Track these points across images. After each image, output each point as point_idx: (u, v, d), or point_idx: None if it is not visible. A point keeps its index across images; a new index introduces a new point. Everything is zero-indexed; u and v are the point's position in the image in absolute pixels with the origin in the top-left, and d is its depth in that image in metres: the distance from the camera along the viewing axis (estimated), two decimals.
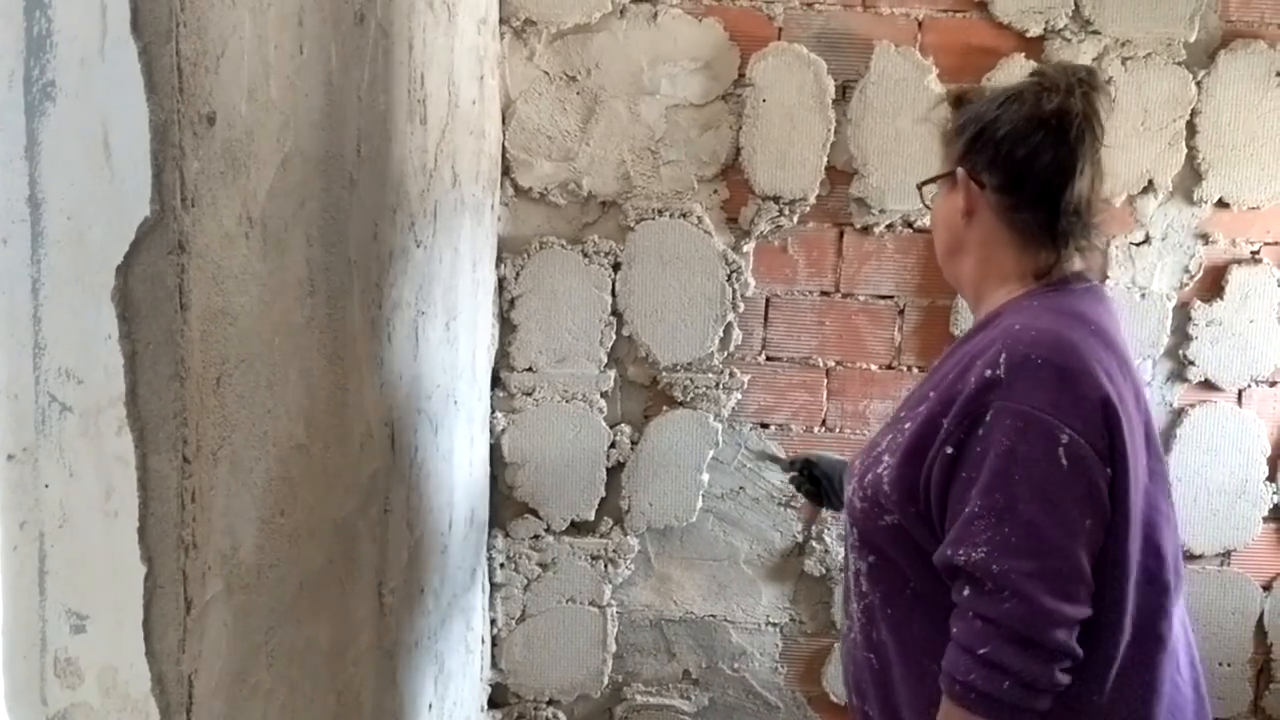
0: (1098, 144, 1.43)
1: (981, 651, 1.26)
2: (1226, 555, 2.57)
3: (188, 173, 0.92)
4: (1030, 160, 1.41)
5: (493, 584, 2.61)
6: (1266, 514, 2.55)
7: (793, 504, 2.56)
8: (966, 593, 1.30)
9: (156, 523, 0.93)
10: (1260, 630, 2.60)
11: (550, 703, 2.67)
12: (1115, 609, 1.32)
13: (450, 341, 2.05)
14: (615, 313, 2.52)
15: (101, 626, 0.93)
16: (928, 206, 1.63)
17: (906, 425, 1.45)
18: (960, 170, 1.48)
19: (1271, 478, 2.54)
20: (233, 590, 1.06)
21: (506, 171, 2.49)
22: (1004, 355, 1.32)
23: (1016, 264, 1.46)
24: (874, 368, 2.54)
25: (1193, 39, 2.40)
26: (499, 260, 2.50)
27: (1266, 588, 2.59)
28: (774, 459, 2.27)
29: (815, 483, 1.98)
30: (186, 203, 0.92)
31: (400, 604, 1.79)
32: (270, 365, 1.15)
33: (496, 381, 2.54)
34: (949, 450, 1.34)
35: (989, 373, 1.32)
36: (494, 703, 2.66)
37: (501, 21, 2.43)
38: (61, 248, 0.89)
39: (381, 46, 1.53)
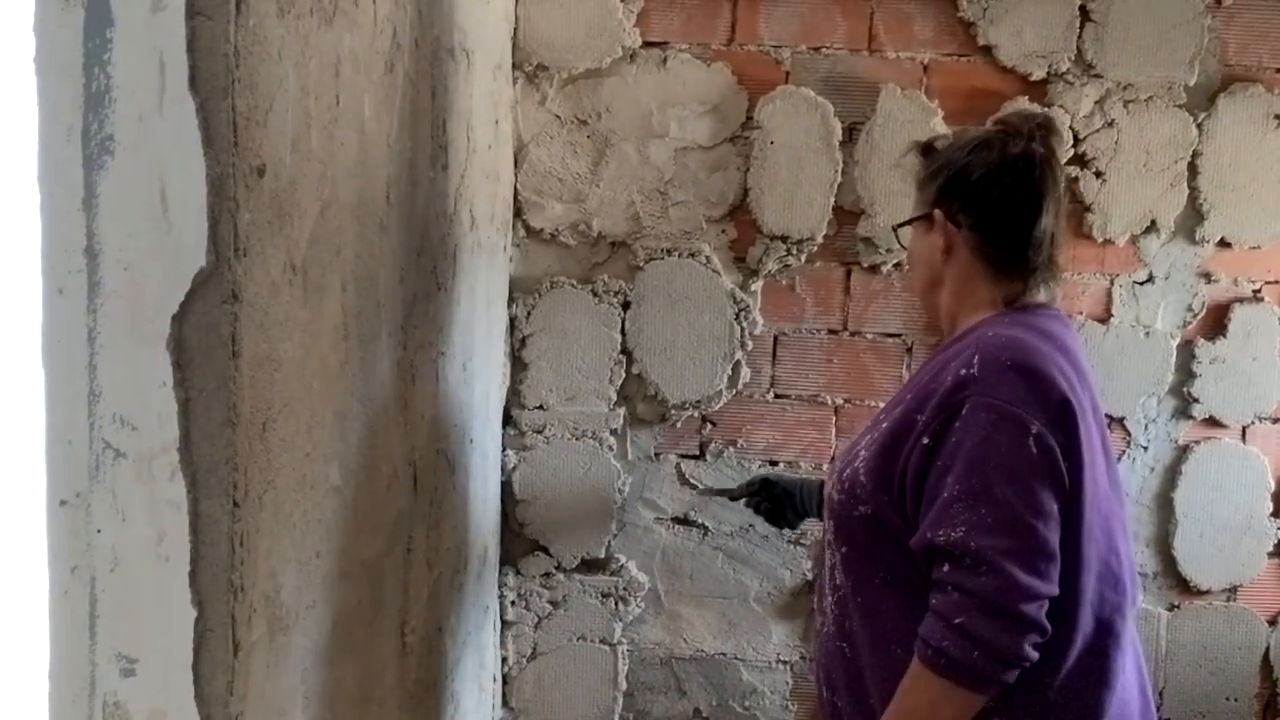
0: (1058, 184, 1.58)
1: (957, 620, 1.35)
2: (1232, 591, 2.59)
3: (240, 224, 0.95)
4: (1002, 200, 1.56)
5: (504, 621, 2.62)
6: (1271, 549, 2.57)
7: (802, 541, 2.58)
8: (946, 569, 1.39)
9: (207, 567, 0.95)
10: (1266, 665, 2.61)
11: None
12: (1072, 597, 1.41)
13: (467, 381, 2.07)
14: (625, 351, 2.54)
15: (151, 670, 0.94)
16: (903, 246, 1.79)
17: (884, 424, 1.57)
18: (938, 212, 1.61)
19: (1276, 513, 2.56)
20: (274, 632, 1.08)
21: (518, 213, 2.52)
22: (977, 356, 1.45)
23: (989, 293, 1.60)
24: (882, 405, 2.56)
25: (1193, 82, 2.45)
26: (510, 300, 2.53)
27: (1272, 623, 2.60)
28: (722, 491, 2.34)
29: (775, 500, 2.13)
30: (239, 253, 0.94)
31: (420, 643, 1.80)
32: (309, 409, 1.17)
33: (508, 419, 2.56)
34: (925, 441, 1.45)
35: (964, 371, 1.45)
36: None
37: (514, 67, 2.47)
38: (118, 297, 0.91)
39: (408, 95, 1.56)
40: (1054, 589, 1.37)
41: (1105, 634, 1.45)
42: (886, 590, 1.52)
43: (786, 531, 2.57)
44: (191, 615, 0.94)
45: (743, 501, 2.20)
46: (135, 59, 0.89)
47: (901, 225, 1.76)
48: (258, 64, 0.98)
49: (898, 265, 2.51)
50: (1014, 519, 1.36)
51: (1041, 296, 1.61)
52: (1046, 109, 2.44)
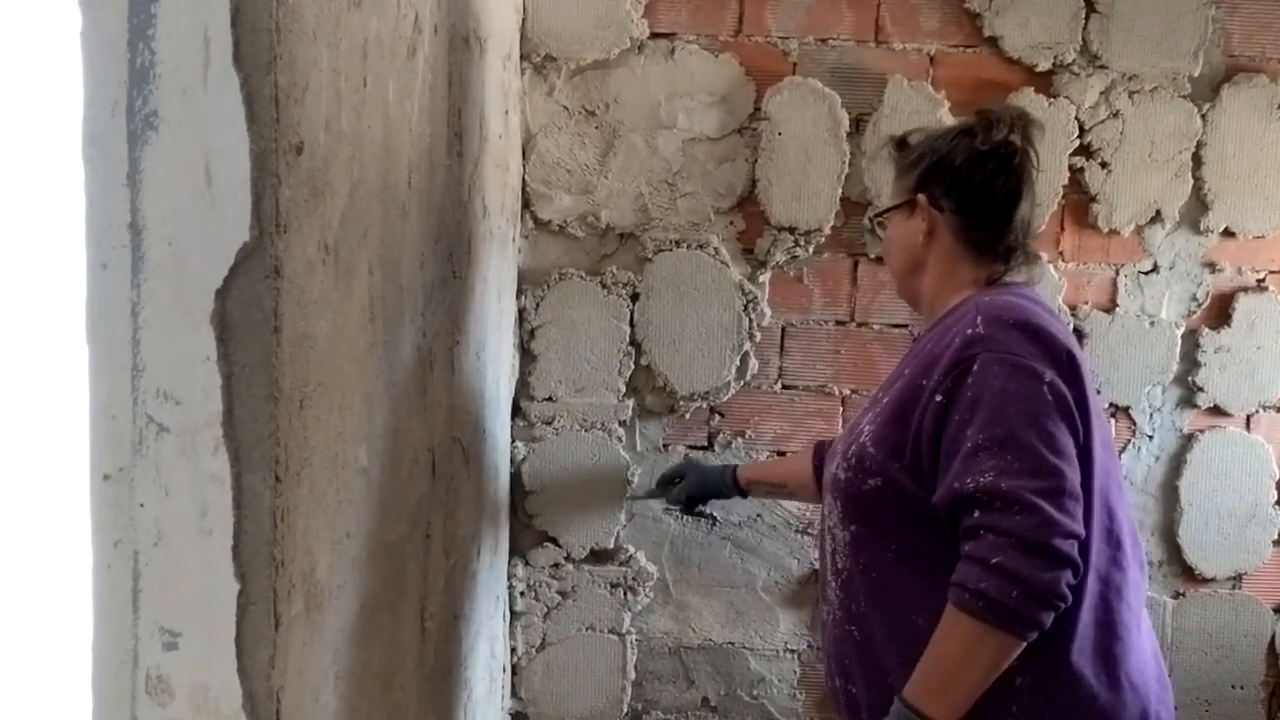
0: (1035, 171, 1.68)
1: (995, 561, 1.37)
2: (1238, 579, 2.61)
3: (281, 200, 0.95)
4: (984, 185, 1.64)
5: (513, 612, 2.62)
6: (1276, 537, 2.59)
7: (809, 531, 2.59)
8: (977, 514, 1.41)
9: (249, 541, 0.95)
10: (1272, 653, 2.63)
11: None
12: (1084, 543, 1.43)
13: (480, 371, 2.08)
14: (633, 343, 2.55)
15: (193, 644, 0.95)
16: (879, 236, 1.89)
17: (884, 400, 1.61)
18: (921, 196, 1.68)
19: None
20: (310, 609, 1.08)
21: (527, 204, 2.53)
22: (980, 317, 1.51)
23: (971, 274, 1.68)
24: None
25: (1197, 73, 2.46)
26: (519, 291, 2.53)
27: (1278, 610, 2.62)
28: (653, 494, 2.50)
29: (690, 490, 2.36)
30: (280, 229, 0.95)
31: (438, 630, 1.80)
32: (340, 389, 1.17)
33: (517, 411, 2.57)
34: (939, 399, 1.49)
35: (970, 331, 1.50)
36: None
37: (522, 58, 2.47)
38: (161, 272, 0.91)
39: (428, 81, 1.56)
40: (1082, 529, 1.40)
41: (1106, 585, 1.48)
42: (900, 562, 1.54)
43: (794, 521, 2.58)
44: (234, 589, 0.95)
45: (674, 491, 2.39)
46: (180, 34, 0.90)
47: (882, 214, 1.82)
48: (296, 42, 0.99)
49: None
50: (1040, 461, 1.40)
51: (1021, 277, 1.70)
52: (1052, 100, 2.46)
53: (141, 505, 0.93)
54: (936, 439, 1.48)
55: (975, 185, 1.63)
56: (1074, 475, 1.41)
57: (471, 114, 1.91)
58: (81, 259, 0.91)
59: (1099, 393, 2.50)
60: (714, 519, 2.60)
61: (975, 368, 1.46)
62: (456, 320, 1.86)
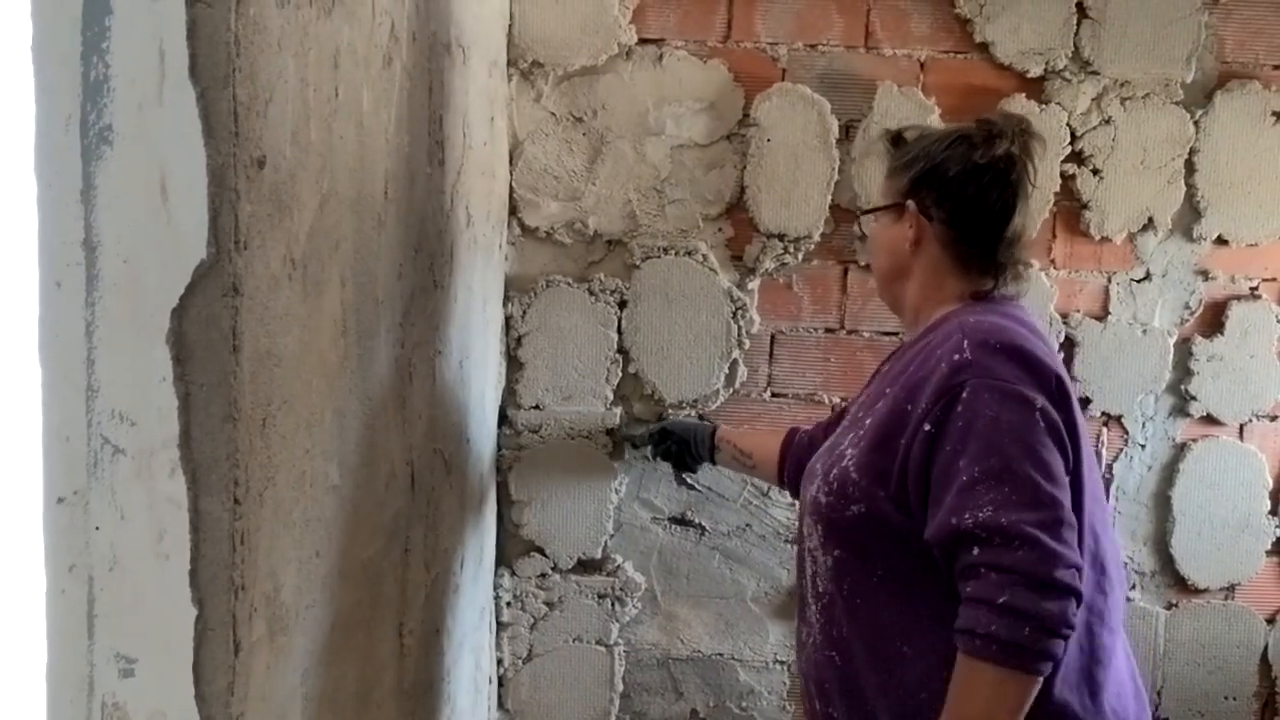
0: (1032, 186, 1.62)
1: (1001, 600, 1.33)
2: (1230, 589, 2.59)
3: (241, 216, 0.93)
4: (979, 198, 1.58)
5: (499, 623, 2.60)
6: (1269, 548, 2.57)
7: None
8: (976, 552, 1.37)
9: (207, 565, 0.93)
10: (1265, 664, 2.61)
11: None
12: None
13: (463, 381, 2.06)
14: (621, 350, 2.53)
15: (150, 670, 0.92)
16: (862, 237, 1.75)
17: (868, 421, 1.56)
18: (911, 203, 1.63)
19: (1274, 511, 2.56)
20: (274, 632, 1.06)
21: (514, 211, 2.51)
22: (966, 341, 1.46)
23: (957, 288, 1.63)
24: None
25: (1190, 80, 2.44)
26: (506, 299, 2.51)
27: (1270, 621, 2.60)
28: (629, 436, 2.51)
29: (679, 444, 2.34)
30: (239, 245, 0.93)
31: (419, 645, 1.78)
32: (309, 406, 1.15)
33: (504, 419, 2.54)
34: (927, 428, 1.44)
35: (957, 357, 1.45)
36: None
37: (509, 64, 2.45)
38: (117, 291, 0.89)
39: (406, 89, 1.54)
40: (1079, 557, 1.37)
41: (1089, 612, 1.45)
42: (884, 588, 1.50)
43: (783, 531, 2.56)
44: (192, 614, 0.92)
45: (649, 449, 2.42)
46: (134, 47, 0.88)
47: (868, 212, 1.78)
48: (258, 54, 0.96)
49: None
50: (1037, 492, 1.37)
51: (1009, 291, 1.64)
52: (1044, 106, 2.44)
53: (97, 529, 0.91)
54: (925, 470, 1.44)
55: (969, 199, 1.58)
56: (1069, 503, 1.39)
57: (454, 121, 1.89)
58: (34, 277, 0.89)
59: (1088, 403, 2.49)
60: (703, 529, 2.58)
61: (964, 395, 1.42)
62: (439, 330, 1.84)
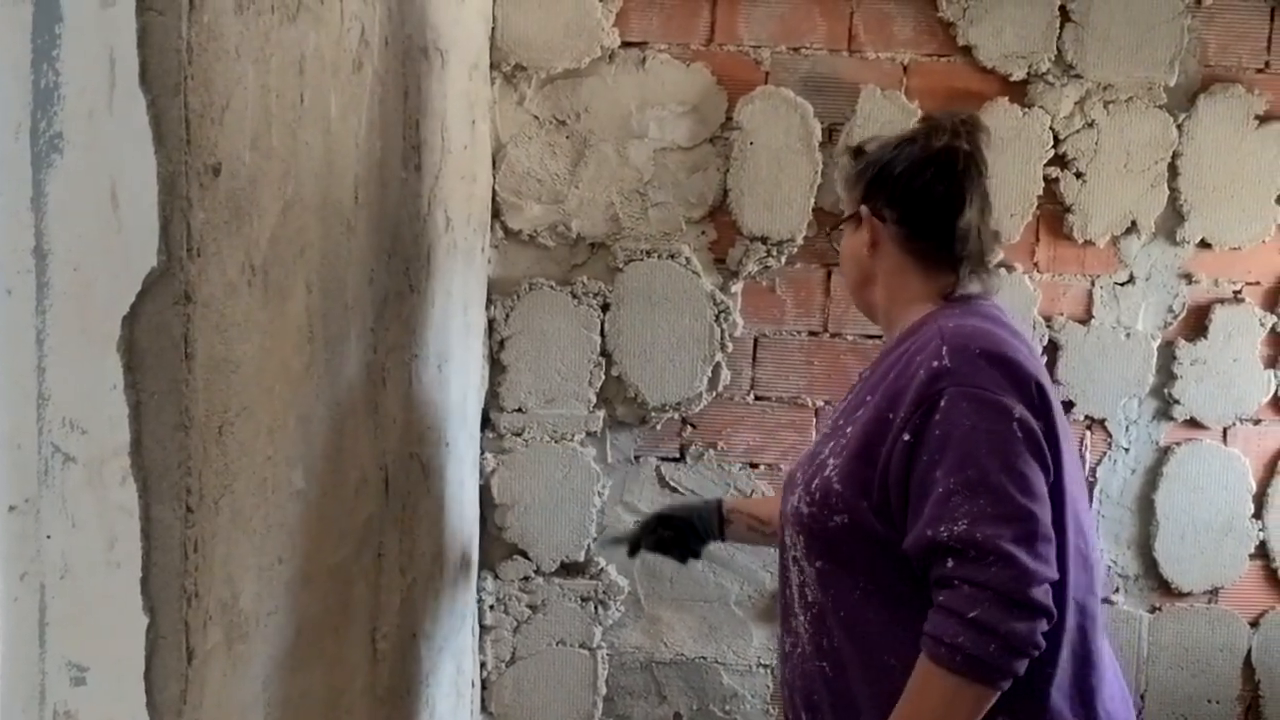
0: (982, 178, 1.59)
1: (972, 615, 1.32)
2: (1214, 592, 2.58)
3: (194, 223, 0.93)
4: (925, 193, 1.56)
5: (482, 626, 2.60)
6: (1253, 551, 2.57)
7: None
8: (951, 564, 1.35)
9: (159, 573, 0.93)
10: (1249, 667, 2.60)
11: None
12: (1061, 580, 1.39)
13: (442, 385, 2.05)
14: (604, 353, 2.53)
15: (102, 679, 0.92)
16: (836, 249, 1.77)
17: (848, 430, 1.54)
18: (864, 208, 1.62)
19: (1257, 515, 2.56)
20: (232, 640, 1.06)
21: (497, 214, 2.51)
22: (945, 348, 1.44)
23: (922, 287, 1.60)
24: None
25: (1173, 83, 2.44)
26: (489, 302, 2.51)
27: (1254, 624, 2.60)
28: (618, 540, 2.15)
29: (678, 531, 2.01)
30: (192, 253, 0.93)
31: (394, 650, 1.77)
32: (270, 413, 1.15)
33: (486, 422, 2.54)
34: (906, 438, 1.42)
35: (935, 364, 1.43)
36: None
37: (492, 67, 2.45)
38: (68, 298, 0.89)
39: (378, 94, 1.54)
40: (1055, 572, 1.36)
41: (1083, 615, 1.44)
42: (868, 599, 1.48)
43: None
44: (143, 623, 0.92)
45: (643, 547, 2.05)
46: (84, 55, 0.87)
47: (835, 227, 1.76)
48: (213, 61, 0.96)
49: None
50: (1013, 505, 1.35)
51: (975, 288, 1.61)
52: (1027, 109, 2.44)
53: (48, 537, 0.91)
54: (905, 479, 1.42)
55: (915, 193, 1.56)
56: (1046, 514, 1.36)
57: (432, 126, 1.89)
58: None
59: (1072, 406, 2.49)
60: None
61: (943, 404, 1.39)
62: (415, 334, 1.83)
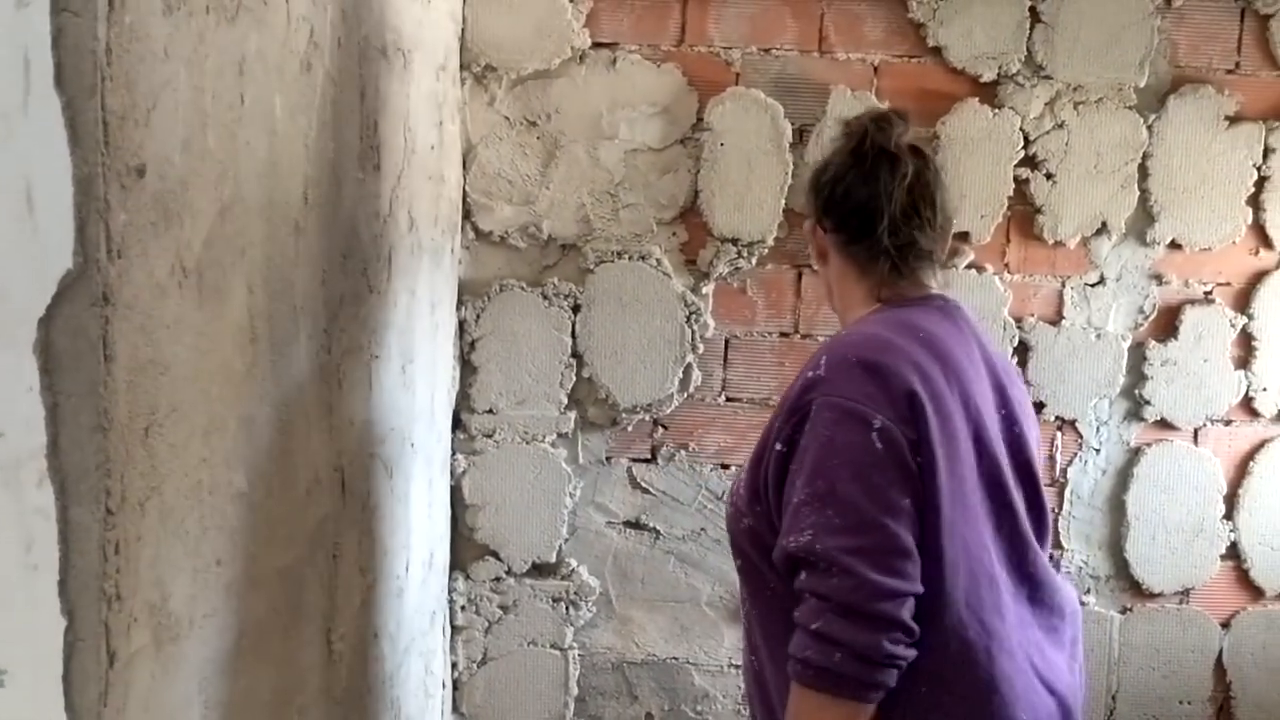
0: (900, 172, 1.52)
1: (814, 626, 1.32)
2: (1185, 593, 2.58)
3: (114, 225, 0.93)
4: (847, 196, 1.54)
5: (454, 626, 2.60)
6: (1224, 552, 2.57)
7: None
8: (803, 576, 1.35)
9: (78, 575, 0.92)
10: (1220, 668, 2.60)
11: None
12: (940, 596, 1.35)
13: (407, 385, 2.05)
14: (575, 354, 2.53)
15: (20, 682, 0.92)
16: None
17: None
18: (808, 221, 1.64)
19: (1228, 516, 2.56)
20: (162, 642, 1.06)
21: (467, 215, 2.51)
22: (825, 357, 1.43)
23: (861, 291, 1.57)
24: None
25: (1143, 84, 2.44)
26: (460, 303, 2.51)
27: (1225, 625, 2.60)
28: None
29: None
30: (112, 255, 0.93)
31: (352, 650, 1.77)
32: (207, 414, 1.15)
33: (458, 423, 2.54)
34: (779, 447, 1.42)
35: (811, 374, 1.42)
36: None
37: (462, 68, 2.45)
38: None
39: (330, 95, 1.54)
40: (913, 586, 1.32)
41: (984, 633, 1.38)
42: (776, 602, 1.47)
43: None
44: (61, 625, 0.92)
45: None
46: None
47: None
48: (136, 62, 0.96)
49: None
50: (860, 517, 1.32)
51: (928, 286, 1.57)
52: (997, 110, 2.44)
53: None
54: (780, 489, 1.42)
55: (840, 197, 1.55)
56: (903, 527, 1.33)
57: (393, 126, 1.89)
58: None
59: (1042, 408, 2.48)
60: (658, 533, 2.58)
61: (811, 413, 1.38)
62: (375, 335, 1.83)
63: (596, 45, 2.47)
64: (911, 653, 1.32)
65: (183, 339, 1.08)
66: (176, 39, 1.05)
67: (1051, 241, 2.48)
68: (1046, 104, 2.45)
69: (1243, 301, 2.51)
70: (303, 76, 1.42)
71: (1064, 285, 2.51)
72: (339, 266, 1.63)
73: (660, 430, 2.57)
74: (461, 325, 2.52)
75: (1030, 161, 2.47)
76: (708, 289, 2.52)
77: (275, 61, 1.33)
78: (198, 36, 1.10)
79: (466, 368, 2.53)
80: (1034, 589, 1.47)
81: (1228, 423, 2.54)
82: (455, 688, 2.62)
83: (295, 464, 1.45)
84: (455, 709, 2.62)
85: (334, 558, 1.66)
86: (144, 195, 0.98)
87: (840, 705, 1.31)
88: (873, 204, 1.52)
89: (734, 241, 2.49)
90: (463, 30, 2.44)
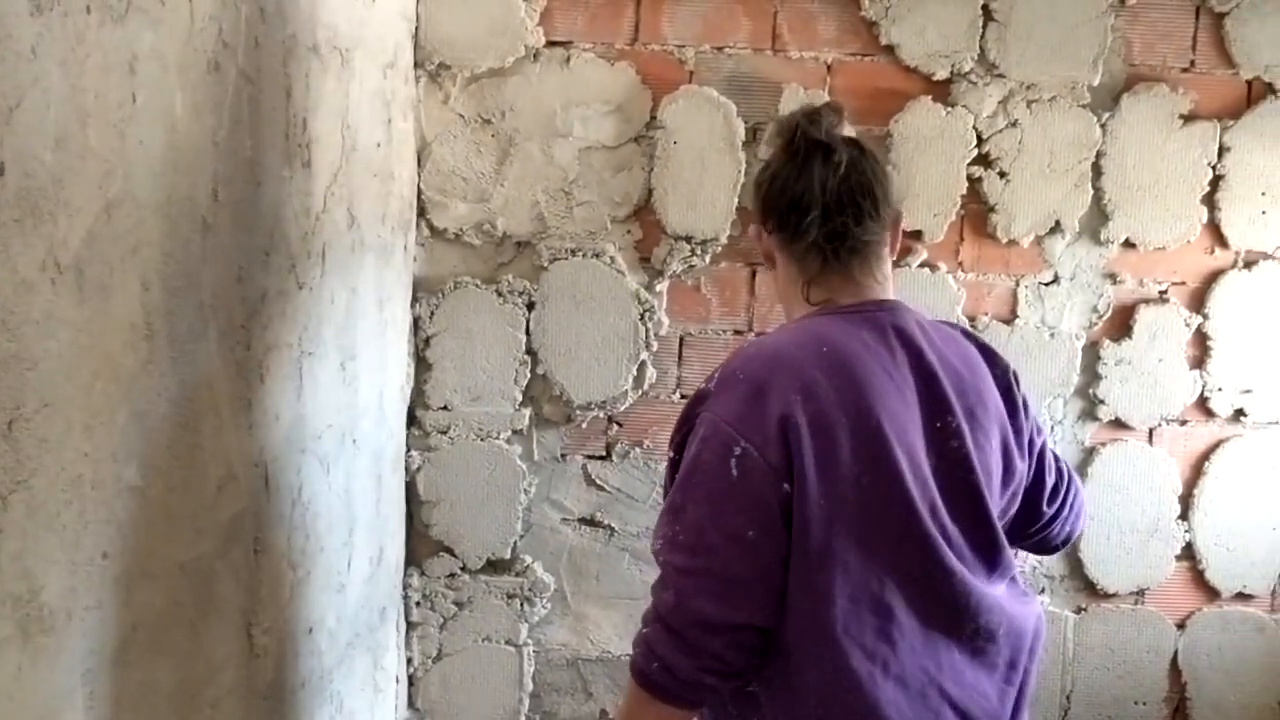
0: (835, 161, 1.48)
1: (644, 630, 1.38)
2: (1140, 594, 2.58)
3: None
4: (782, 192, 1.51)
5: (409, 622, 2.61)
6: (1179, 552, 2.56)
7: None
8: (654, 579, 1.41)
9: None
10: (1175, 669, 2.60)
11: None
12: (812, 628, 1.34)
13: (347, 382, 2.06)
14: (530, 351, 2.54)
15: None
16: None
17: None
18: (753, 225, 1.62)
19: (1184, 516, 2.55)
20: (30, 633, 1.07)
21: (422, 212, 2.52)
22: (719, 371, 1.45)
23: (801, 292, 1.53)
24: None
25: (1096, 82, 2.44)
26: (414, 300, 2.52)
27: (1180, 626, 2.59)
28: None
29: None
30: None
31: (280, 644, 1.79)
32: (87, 409, 1.16)
33: (412, 420, 2.56)
34: (672, 455, 1.47)
35: (703, 385, 1.45)
36: None
37: (416, 66, 2.46)
38: None
39: (246, 93, 1.55)
40: (740, 616, 1.33)
41: (866, 659, 1.35)
42: None
43: None
44: None
45: None
46: None
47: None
48: None
49: None
50: (700, 540, 1.34)
51: (868, 288, 1.51)
52: (950, 109, 2.44)
53: None
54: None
55: (776, 193, 1.52)
56: (740, 559, 1.33)
57: (327, 124, 1.90)
58: None
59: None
60: (612, 530, 2.59)
61: (695, 426, 1.41)
62: (306, 331, 1.84)
63: (550, 44, 2.47)
64: (727, 682, 1.35)
65: (57, 334, 1.09)
66: (48, 39, 1.06)
67: (1005, 240, 2.48)
68: (1000, 102, 2.45)
69: (1198, 301, 2.51)
70: (210, 75, 1.43)
71: (1018, 284, 2.51)
72: (260, 263, 1.64)
73: (615, 427, 2.58)
74: (416, 322, 2.53)
75: (983, 160, 2.47)
76: (662, 286, 2.53)
77: (176, 60, 1.34)
78: (75, 36, 1.11)
79: (421, 364, 2.55)
80: (952, 611, 1.40)
81: (1183, 423, 2.54)
82: (411, 683, 2.63)
83: (203, 460, 1.47)
84: (411, 704, 2.64)
85: (255, 552, 1.67)
86: (6, 193, 0.99)
87: (657, 705, 1.37)
88: (805, 196, 1.48)
89: (688, 239, 2.50)
90: (416, 28, 2.45)
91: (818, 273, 1.52)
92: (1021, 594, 1.53)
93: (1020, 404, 1.59)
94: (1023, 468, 1.57)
